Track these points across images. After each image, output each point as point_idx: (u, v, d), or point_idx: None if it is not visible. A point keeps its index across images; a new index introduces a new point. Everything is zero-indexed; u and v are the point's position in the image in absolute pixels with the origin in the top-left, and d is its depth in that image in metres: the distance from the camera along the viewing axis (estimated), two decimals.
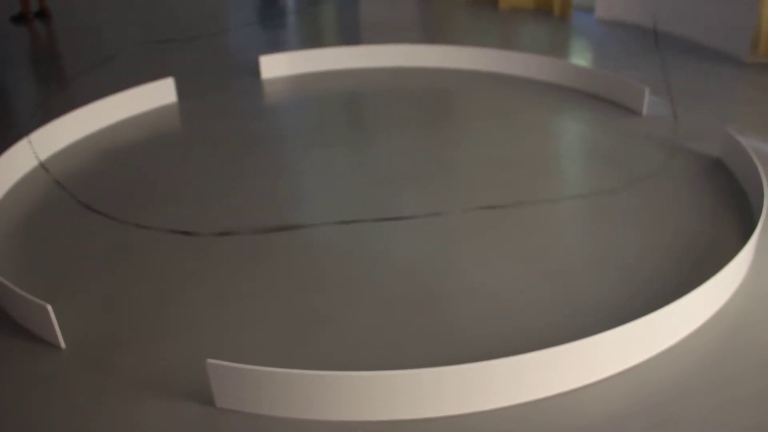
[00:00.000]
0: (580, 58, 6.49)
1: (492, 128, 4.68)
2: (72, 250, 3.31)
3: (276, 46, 7.06)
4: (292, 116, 5.01)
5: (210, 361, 2.22)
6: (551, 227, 3.41)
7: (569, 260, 3.14)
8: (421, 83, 5.65)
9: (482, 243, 3.26)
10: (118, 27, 8.08)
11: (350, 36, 7.77)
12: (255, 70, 5.93)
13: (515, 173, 3.95)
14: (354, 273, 3.06)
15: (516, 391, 2.28)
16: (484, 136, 4.53)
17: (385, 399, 2.21)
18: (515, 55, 5.77)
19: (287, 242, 3.30)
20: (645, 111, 4.81)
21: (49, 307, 2.53)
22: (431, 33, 7.69)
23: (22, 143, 4.10)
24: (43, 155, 4.27)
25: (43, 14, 8.31)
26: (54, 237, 3.43)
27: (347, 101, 5.36)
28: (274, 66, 5.87)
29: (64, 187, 3.84)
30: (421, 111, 5.09)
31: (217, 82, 5.79)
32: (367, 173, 4.01)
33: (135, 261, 3.20)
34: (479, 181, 3.88)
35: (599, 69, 5.46)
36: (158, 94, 5.19)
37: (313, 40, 7.58)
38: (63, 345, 2.63)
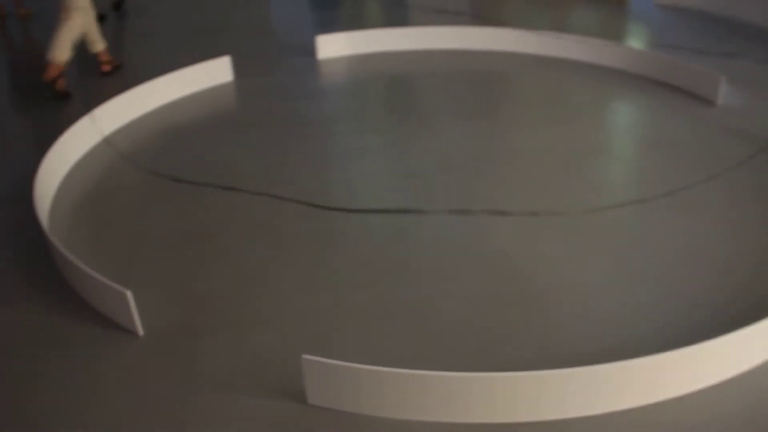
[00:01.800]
0: (641, 43, 6.27)
1: (558, 116, 4.50)
2: (143, 229, 3.22)
3: (329, 27, 6.92)
4: (348, 97, 4.88)
5: (305, 356, 2.11)
6: (639, 224, 3.25)
7: (662, 258, 2.98)
8: (479, 66, 5.48)
9: (576, 240, 3.12)
10: (173, 8, 7.98)
11: (401, 18, 7.59)
12: (311, 50, 5.79)
13: (593, 166, 3.79)
14: (447, 265, 2.94)
15: (652, 391, 2.17)
16: (550, 124, 4.35)
17: (505, 401, 2.10)
18: (576, 39, 5.57)
19: (373, 228, 3.20)
20: (720, 100, 4.61)
21: (129, 294, 2.44)
22: (483, 16, 7.49)
23: (85, 120, 4.02)
24: (104, 133, 4.20)
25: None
26: (123, 214, 3.35)
27: (404, 83, 5.20)
28: (331, 46, 5.73)
29: (134, 163, 3.75)
30: (481, 96, 4.92)
31: (274, 61, 5.66)
32: (437, 160, 3.87)
33: (210, 242, 3.10)
34: (559, 175, 3.72)
35: (669, 55, 5.24)
36: (215, 73, 5.08)
37: (364, 21, 7.42)
38: (141, 332, 2.54)
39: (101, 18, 6.57)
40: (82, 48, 5.56)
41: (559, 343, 2.47)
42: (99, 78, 5.28)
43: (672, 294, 2.73)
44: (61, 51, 4.76)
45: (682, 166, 3.74)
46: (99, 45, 5.18)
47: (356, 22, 7.19)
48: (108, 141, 4.11)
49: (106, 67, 5.29)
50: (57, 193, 3.59)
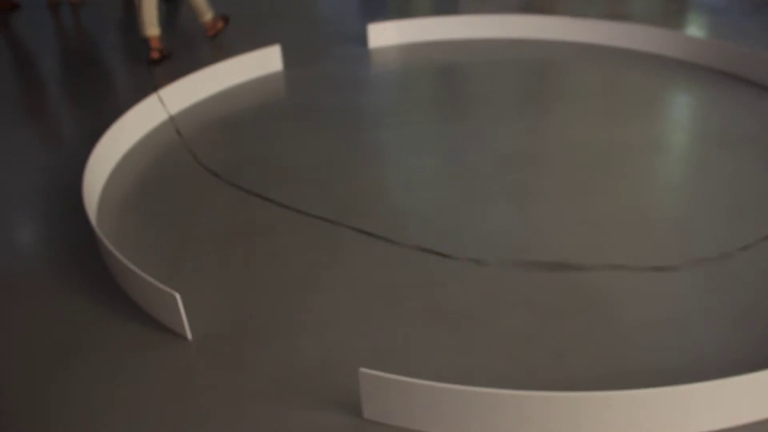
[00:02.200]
0: (705, 32, 5.97)
1: (620, 112, 4.27)
2: (194, 223, 3.13)
3: (377, 13, 6.76)
4: (401, 89, 4.72)
5: (363, 370, 1.99)
6: (716, 233, 3.05)
7: (743, 268, 2.78)
8: (534, 56, 5.27)
9: (640, 250, 2.94)
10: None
11: (449, 4, 7.40)
12: (360, 39, 5.65)
13: (668, 167, 3.58)
14: (501, 271, 2.78)
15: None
16: (611, 121, 4.13)
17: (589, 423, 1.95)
18: (633, 27, 5.32)
19: (429, 236, 3.05)
20: None
21: (178, 297, 2.34)
22: (536, 3, 7.24)
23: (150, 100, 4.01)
24: (156, 122, 4.15)
25: None
26: (174, 206, 3.27)
27: (458, 74, 5.02)
28: (382, 34, 5.57)
29: (197, 158, 3.67)
30: (536, 88, 4.72)
31: (323, 50, 5.54)
32: (496, 159, 3.70)
33: (261, 243, 2.99)
34: (629, 178, 3.53)
35: (738, 45, 4.97)
36: (265, 62, 4.97)
37: (411, 8, 7.24)
38: (190, 336, 2.44)
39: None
40: (133, 35, 5.52)
41: (620, 355, 2.30)
42: (147, 66, 5.22)
43: (752, 307, 2.53)
44: (152, 25, 5.16)
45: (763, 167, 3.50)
46: (154, 29, 5.23)
47: (404, 8, 7.02)
48: (174, 120, 4.05)
49: (155, 54, 5.28)
50: (109, 178, 3.55)
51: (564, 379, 2.21)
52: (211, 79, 4.61)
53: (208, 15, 5.61)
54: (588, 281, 2.66)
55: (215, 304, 2.61)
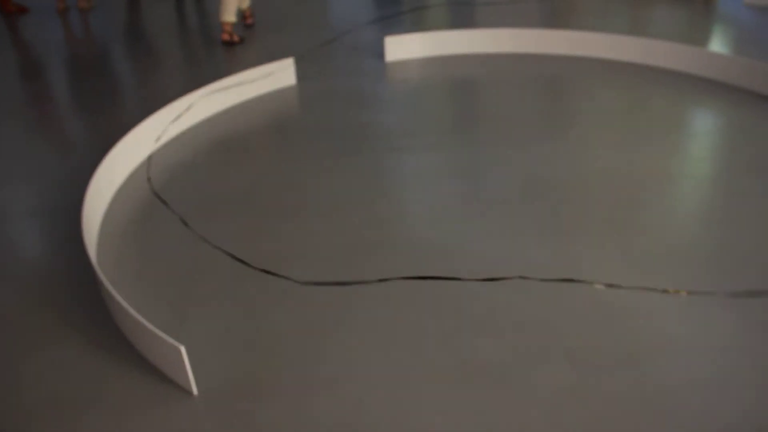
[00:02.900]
0: (736, 50, 5.76)
1: (645, 133, 4.06)
2: (199, 259, 2.93)
3: (393, 26, 6.57)
4: (418, 107, 4.50)
5: None
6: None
7: None
8: (554, 72, 5.07)
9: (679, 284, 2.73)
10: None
11: (467, 15, 7.21)
12: (377, 51, 5.47)
13: (700, 196, 3.38)
14: (530, 321, 2.58)
15: None
16: (636, 144, 3.92)
17: None
18: (656, 43, 5.11)
19: (440, 283, 2.85)
20: None
21: (183, 350, 2.14)
22: (559, 17, 7.04)
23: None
24: (163, 141, 3.95)
25: None
26: (175, 239, 3.07)
27: (476, 91, 4.82)
28: (399, 48, 5.38)
29: (174, 210, 3.48)
30: (558, 107, 4.51)
31: (338, 63, 5.35)
32: (522, 186, 3.50)
33: (270, 283, 2.79)
34: (661, 207, 3.32)
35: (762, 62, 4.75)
36: (278, 76, 4.79)
37: (427, 19, 7.04)
38: (195, 391, 2.25)
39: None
40: (143, 42, 5.35)
41: (665, 413, 2.10)
42: (162, 77, 5.04)
43: None
44: (229, 13, 5.81)
45: None
46: (231, 16, 5.88)
47: (420, 20, 6.83)
48: (154, 190, 3.85)
49: (226, 37, 5.94)
50: (112, 203, 3.37)
51: None
52: (224, 94, 4.43)
53: (231, 17, 5.86)
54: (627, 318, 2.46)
55: (222, 352, 2.41)
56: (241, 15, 6.62)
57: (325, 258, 2.91)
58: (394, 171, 3.62)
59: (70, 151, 3.94)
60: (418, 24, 6.59)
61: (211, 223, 3.20)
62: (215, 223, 3.20)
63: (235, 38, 5.97)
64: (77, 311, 2.64)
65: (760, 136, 3.96)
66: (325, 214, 3.23)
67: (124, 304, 2.33)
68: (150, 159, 3.79)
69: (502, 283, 2.73)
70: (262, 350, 2.42)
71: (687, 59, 4.98)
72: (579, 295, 2.65)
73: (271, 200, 3.36)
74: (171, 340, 2.15)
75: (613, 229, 3.07)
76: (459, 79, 4.96)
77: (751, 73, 4.64)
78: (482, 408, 2.15)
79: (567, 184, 3.45)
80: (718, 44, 5.86)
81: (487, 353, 2.37)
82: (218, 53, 5.63)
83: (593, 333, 2.45)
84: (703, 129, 4.10)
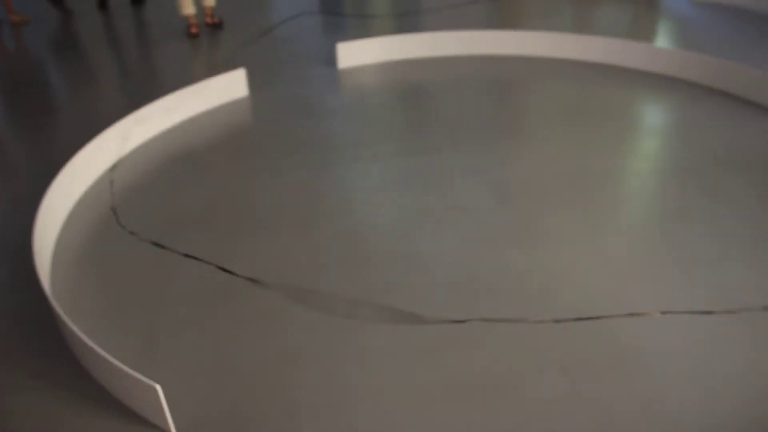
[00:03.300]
0: (683, 46, 5.80)
1: (607, 130, 4.02)
2: (163, 286, 2.75)
3: (339, 30, 6.45)
4: (375, 113, 4.39)
5: None
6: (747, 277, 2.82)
7: None
8: (508, 73, 5.03)
9: (669, 296, 2.68)
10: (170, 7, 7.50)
11: (411, 16, 7.13)
12: (327, 58, 5.34)
13: (678, 195, 3.35)
14: (521, 329, 2.49)
15: None
16: (603, 141, 3.88)
17: None
18: (618, 42, 5.12)
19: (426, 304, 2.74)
20: None
21: (159, 389, 1.98)
22: (507, 18, 7.01)
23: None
24: (114, 159, 3.75)
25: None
26: (135, 263, 2.88)
27: (431, 95, 4.70)
28: (351, 54, 5.27)
29: (129, 229, 3.29)
30: (517, 107, 4.45)
31: (290, 71, 5.20)
32: (490, 193, 3.41)
33: (245, 307, 2.63)
34: (637, 209, 3.27)
35: (730, 61, 4.77)
36: (229, 88, 4.61)
37: (378, 27, 6.94)
38: (173, 430, 2.09)
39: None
40: (84, 57, 5.12)
41: None
42: (105, 91, 4.81)
43: None
44: (186, 5, 5.98)
45: None
46: (190, 8, 6.03)
47: (364, 23, 6.72)
48: (113, 171, 3.65)
49: (194, 30, 6.10)
50: (64, 228, 3.16)
51: None
52: (173, 108, 4.23)
53: (189, 9, 6.01)
54: (615, 332, 2.39)
55: (198, 384, 2.25)
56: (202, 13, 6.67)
57: (299, 274, 2.77)
58: (355, 182, 3.50)
59: (11, 176, 3.70)
60: (367, 30, 6.48)
61: (177, 242, 3.02)
62: (180, 242, 3.02)
63: (216, 20, 6.38)
64: (35, 352, 2.44)
65: (722, 132, 3.98)
66: (284, 235, 3.08)
67: (87, 339, 2.15)
68: (105, 178, 3.58)
69: (481, 299, 2.63)
70: (241, 378, 2.27)
71: (632, 54, 5.03)
72: (560, 304, 2.58)
73: (233, 218, 3.21)
74: (145, 380, 1.99)
75: (588, 236, 3.01)
76: (414, 84, 4.87)
77: (700, 67, 4.67)
78: (478, 424, 2.05)
79: (536, 189, 3.39)
80: (664, 39, 5.91)
81: (478, 367, 2.27)
82: (166, 66, 5.42)
83: (580, 342, 2.38)
84: (665, 125, 4.10)
